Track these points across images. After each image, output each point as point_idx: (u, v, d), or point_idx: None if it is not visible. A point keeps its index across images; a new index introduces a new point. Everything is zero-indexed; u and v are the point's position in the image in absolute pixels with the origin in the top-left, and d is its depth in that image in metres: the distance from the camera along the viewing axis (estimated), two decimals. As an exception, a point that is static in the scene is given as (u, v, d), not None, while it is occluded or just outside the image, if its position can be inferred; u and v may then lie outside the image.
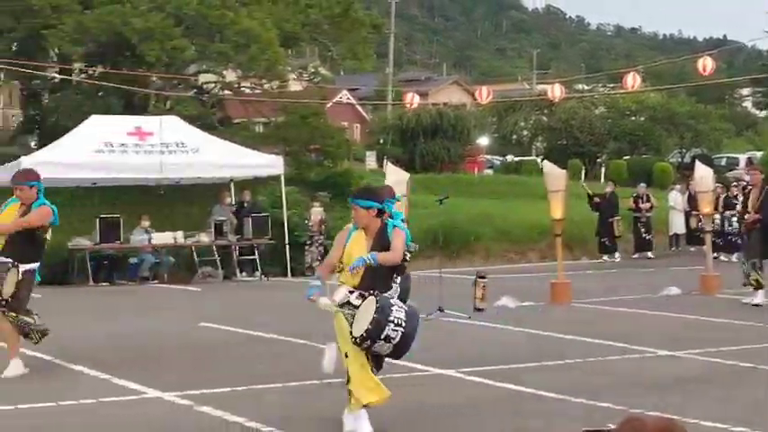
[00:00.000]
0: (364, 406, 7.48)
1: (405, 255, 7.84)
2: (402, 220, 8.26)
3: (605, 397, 8.68)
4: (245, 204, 24.52)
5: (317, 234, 24.65)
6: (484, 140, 51.61)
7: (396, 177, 15.50)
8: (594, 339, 12.33)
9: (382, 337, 7.22)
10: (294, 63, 33.98)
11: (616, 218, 26.66)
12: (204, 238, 23.25)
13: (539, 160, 44.07)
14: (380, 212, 7.80)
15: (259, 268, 23.76)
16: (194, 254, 23.51)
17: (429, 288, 14.91)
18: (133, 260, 23.36)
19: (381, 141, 47.96)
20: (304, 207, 25.65)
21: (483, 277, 15.64)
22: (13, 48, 30.85)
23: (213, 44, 29.91)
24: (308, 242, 24.66)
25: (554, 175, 17.68)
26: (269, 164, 24.50)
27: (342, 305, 7.41)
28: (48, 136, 29.25)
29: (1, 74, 31.38)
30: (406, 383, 9.22)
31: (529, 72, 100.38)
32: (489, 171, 47.36)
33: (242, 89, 33.52)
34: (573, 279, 17.58)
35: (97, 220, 22.91)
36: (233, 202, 24.68)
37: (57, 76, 31.59)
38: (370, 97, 62.87)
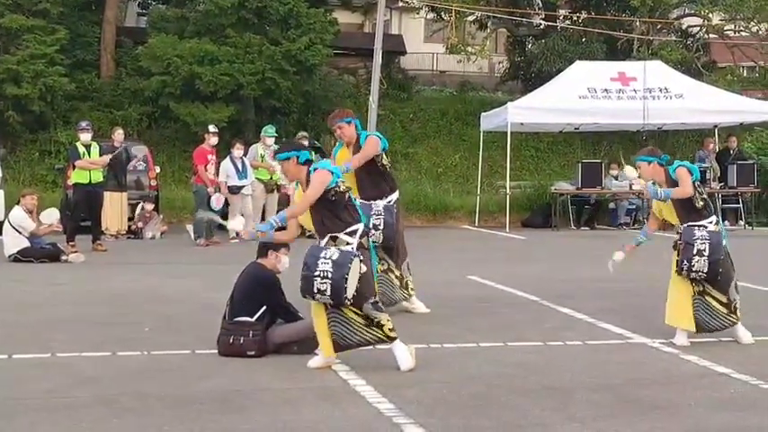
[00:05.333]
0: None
1: (332, 193, 7.67)
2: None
3: None
4: (732, 152, 23.69)
5: (807, 183, 23.43)
6: None
7: None
8: None
9: (314, 290, 7.52)
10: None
11: None
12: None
13: None
14: (299, 160, 7.84)
15: (743, 217, 22.97)
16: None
17: None
18: (612, 206, 23.49)
19: None
20: (793, 155, 24.43)
21: None
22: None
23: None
24: (798, 192, 23.50)
25: None
26: (756, 109, 23.53)
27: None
28: (531, 82, 30.01)
29: (489, 22, 32.48)
30: None
31: None
32: None
33: (727, 32, 32.30)
34: None
35: (579, 164, 23.22)
36: (717, 149, 23.99)
37: (542, 22, 32.18)
38: None
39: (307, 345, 8.30)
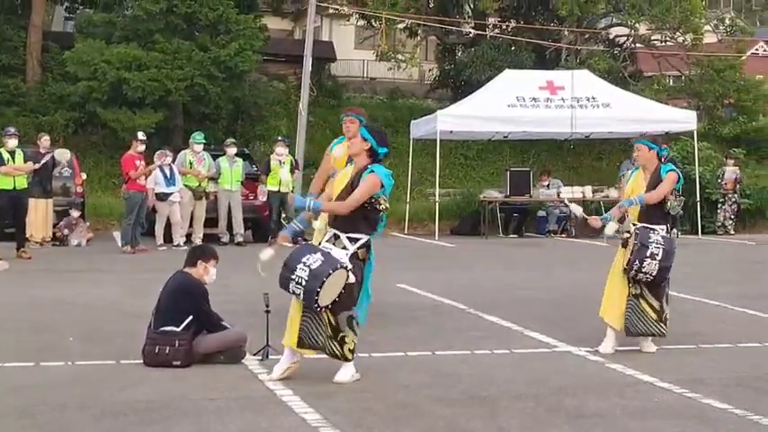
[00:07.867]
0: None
1: (368, 203, 7.60)
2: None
3: None
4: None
5: (731, 192, 23.83)
6: None
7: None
8: None
9: (289, 290, 7.51)
10: (710, 15, 32.70)
11: None
12: (613, 193, 23.07)
13: None
14: (373, 153, 7.76)
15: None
16: (603, 209, 23.43)
17: None
18: (541, 213, 23.68)
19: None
20: (717, 164, 24.82)
21: None
22: (431, 4, 32.01)
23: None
24: (721, 200, 23.88)
25: None
26: (681, 119, 23.91)
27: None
28: (461, 90, 30.17)
29: (419, 30, 32.61)
30: None
31: None
32: None
33: (653, 42, 32.78)
34: None
35: (507, 172, 23.38)
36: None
37: (472, 31, 32.40)
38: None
39: (233, 354, 8.25)
